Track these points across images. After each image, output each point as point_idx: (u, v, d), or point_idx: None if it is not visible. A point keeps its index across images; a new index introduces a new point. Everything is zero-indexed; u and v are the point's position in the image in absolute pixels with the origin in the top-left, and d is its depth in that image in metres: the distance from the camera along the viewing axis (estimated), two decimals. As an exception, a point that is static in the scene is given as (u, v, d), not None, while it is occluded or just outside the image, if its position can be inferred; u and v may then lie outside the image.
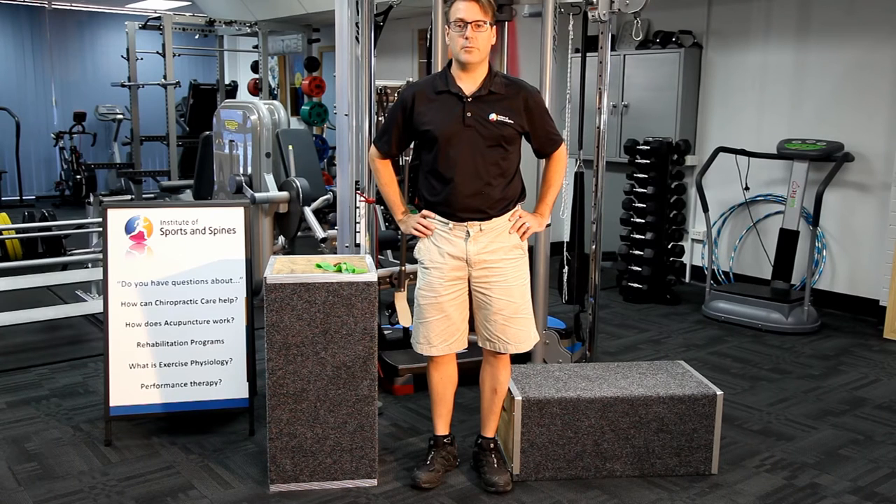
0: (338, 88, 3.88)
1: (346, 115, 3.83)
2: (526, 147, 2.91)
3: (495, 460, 3.00)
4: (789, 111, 5.65)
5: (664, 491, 2.97)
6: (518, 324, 2.87)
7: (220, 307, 3.40)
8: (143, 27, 8.70)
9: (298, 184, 5.14)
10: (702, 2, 6.10)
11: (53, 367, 4.27)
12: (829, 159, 5.16)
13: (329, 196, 5.15)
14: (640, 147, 5.88)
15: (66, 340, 4.74)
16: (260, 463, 3.14)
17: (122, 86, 8.89)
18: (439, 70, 3.13)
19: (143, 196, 9.04)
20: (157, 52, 8.86)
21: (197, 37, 9.68)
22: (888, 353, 4.65)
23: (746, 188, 5.67)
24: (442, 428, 3.05)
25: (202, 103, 9.91)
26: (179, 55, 9.69)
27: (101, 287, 3.84)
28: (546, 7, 3.73)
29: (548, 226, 3.07)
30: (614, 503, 2.89)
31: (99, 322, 4.92)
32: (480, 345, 2.95)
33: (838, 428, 3.58)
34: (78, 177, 10.24)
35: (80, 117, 10.35)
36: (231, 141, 5.39)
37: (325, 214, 5.34)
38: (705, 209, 5.54)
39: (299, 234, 5.47)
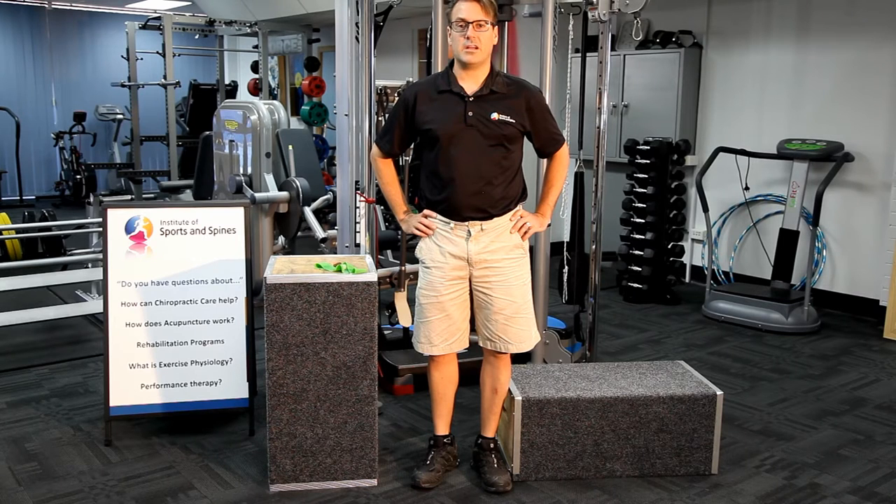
0: (338, 88, 3.88)
1: (346, 115, 3.83)
2: (527, 147, 2.92)
3: (495, 460, 3.00)
4: (789, 111, 5.65)
5: (664, 491, 2.97)
6: (519, 323, 2.87)
7: (220, 307, 3.39)
8: (143, 27, 8.71)
9: (298, 184, 5.14)
10: (702, 2, 6.10)
11: (53, 367, 4.27)
12: (829, 159, 5.16)
13: (329, 196, 5.15)
14: (640, 147, 5.88)
15: (66, 340, 4.74)
16: (260, 463, 3.14)
17: (122, 86, 8.89)
18: (440, 70, 3.13)
19: (143, 196, 9.04)
20: (157, 52, 8.86)
21: (197, 37, 9.67)
22: (888, 353, 4.65)
23: (746, 188, 5.67)
24: (442, 428, 3.05)
25: (202, 103, 9.90)
26: (179, 55, 9.68)
27: (101, 287, 3.84)
28: (546, 7, 3.73)
29: (548, 226, 3.08)
30: (614, 503, 2.89)
31: (99, 322, 4.92)
32: (481, 344, 2.95)
33: (838, 428, 3.58)
34: (78, 177, 10.24)
35: (80, 117, 10.35)
36: (231, 141, 5.38)
37: (325, 214, 5.34)
38: (705, 209, 5.54)
39: (299, 234, 5.47)
